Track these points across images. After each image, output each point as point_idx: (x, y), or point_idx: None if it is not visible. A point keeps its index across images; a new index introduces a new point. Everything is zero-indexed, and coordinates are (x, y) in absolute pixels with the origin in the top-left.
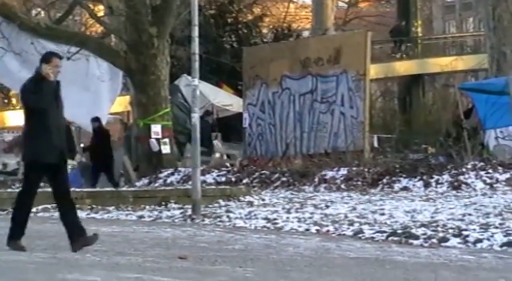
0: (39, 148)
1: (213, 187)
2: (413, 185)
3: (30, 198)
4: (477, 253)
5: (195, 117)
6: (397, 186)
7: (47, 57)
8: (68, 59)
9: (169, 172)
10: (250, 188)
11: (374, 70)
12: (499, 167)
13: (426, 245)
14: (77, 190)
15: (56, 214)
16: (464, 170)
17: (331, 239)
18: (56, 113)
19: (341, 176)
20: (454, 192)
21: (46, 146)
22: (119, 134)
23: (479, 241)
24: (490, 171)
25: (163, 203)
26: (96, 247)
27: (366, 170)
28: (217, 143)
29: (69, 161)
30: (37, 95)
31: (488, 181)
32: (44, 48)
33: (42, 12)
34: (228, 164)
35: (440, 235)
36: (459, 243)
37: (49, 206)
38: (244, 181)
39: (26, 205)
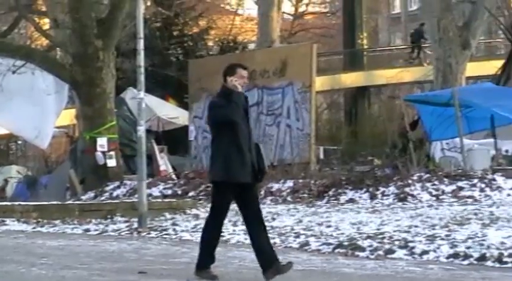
0: (230, 166)
1: (159, 200)
2: (360, 197)
3: (220, 221)
4: (423, 264)
5: (141, 130)
6: (343, 198)
7: (231, 70)
8: (14, 72)
9: (115, 185)
10: (196, 201)
11: (320, 82)
12: (445, 179)
13: (372, 257)
14: (23, 203)
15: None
16: (410, 181)
17: (277, 251)
18: (246, 128)
19: (287, 189)
20: (400, 204)
21: (238, 164)
22: (64, 147)
23: (426, 252)
24: (436, 182)
25: (109, 216)
26: (42, 261)
27: (312, 182)
28: (163, 156)
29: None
30: (227, 109)
31: (434, 192)
32: None
33: None
34: (174, 177)
35: (387, 246)
36: (405, 255)
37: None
38: (191, 194)
39: (215, 229)
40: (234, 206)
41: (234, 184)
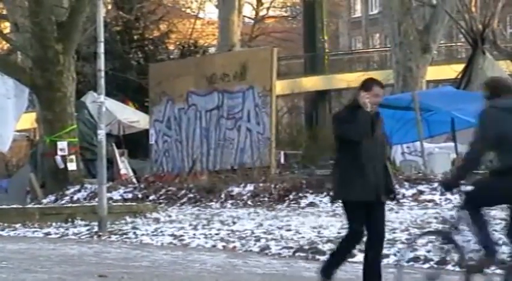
0: (348, 184)
1: (120, 203)
2: (320, 200)
3: (358, 237)
4: (384, 268)
5: (101, 133)
6: (303, 202)
7: (368, 86)
8: None
9: (75, 188)
10: (156, 204)
11: (280, 86)
12: (406, 183)
13: None
14: None
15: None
16: None
17: (237, 255)
18: (371, 146)
19: (248, 192)
20: None
21: (357, 182)
22: (24, 151)
23: (386, 256)
24: (396, 186)
25: (69, 220)
26: (2, 264)
27: (273, 186)
28: (123, 159)
29: None
30: (350, 125)
31: None
32: None
33: None
34: (134, 181)
35: None
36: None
37: None
38: (151, 198)
39: (352, 243)
40: (193, 210)
41: (357, 202)
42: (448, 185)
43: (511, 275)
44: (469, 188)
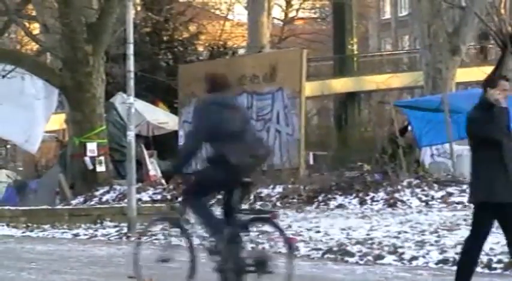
0: (493, 185)
1: (149, 204)
2: (349, 202)
3: (481, 244)
4: (413, 270)
5: (131, 135)
6: (332, 203)
7: (493, 82)
8: (3, 77)
9: (104, 189)
10: None
11: (310, 87)
12: (434, 185)
13: (362, 262)
14: (12, 208)
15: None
16: (399, 187)
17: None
18: (510, 145)
19: (277, 194)
20: (389, 209)
21: (501, 183)
22: (54, 152)
23: (415, 258)
24: (425, 188)
25: (98, 221)
26: (31, 265)
27: (302, 187)
28: (152, 161)
29: (3, 179)
30: (490, 125)
31: (424, 198)
32: None
33: None
34: (163, 182)
35: (376, 252)
36: (395, 260)
37: None
38: (180, 199)
39: (475, 251)
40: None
41: (495, 204)
42: (174, 171)
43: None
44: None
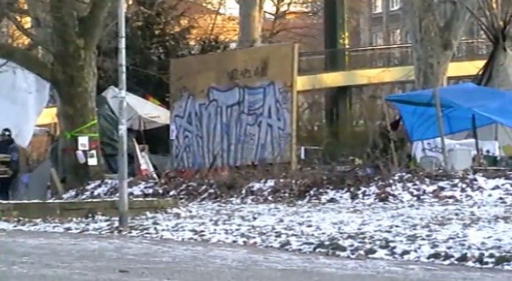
0: None
1: (140, 199)
2: (341, 196)
3: None
4: (404, 264)
5: (122, 129)
6: (324, 198)
7: None
8: None
9: (96, 183)
10: (177, 200)
11: (301, 82)
12: (426, 179)
13: (353, 256)
14: (3, 201)
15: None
16: (391, 181)
17: (258, 251)
18: None
19: (268, 188)
20: (381, 204)
21: None
22: (45, 146)
23: (407, 252)
24: (417, 183)
25: (90, 215)
26: (23, 259)
27: (293, 182)
28: (144, 155)
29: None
30: None
31: (415, 192)
32: None
33: None
34: (155, 176)
35: (368, 246)
36: (386, 255)
37: None
38: (172, 193)
39: None
40: (214, 206)
41: None
42: None
43: None
44: None
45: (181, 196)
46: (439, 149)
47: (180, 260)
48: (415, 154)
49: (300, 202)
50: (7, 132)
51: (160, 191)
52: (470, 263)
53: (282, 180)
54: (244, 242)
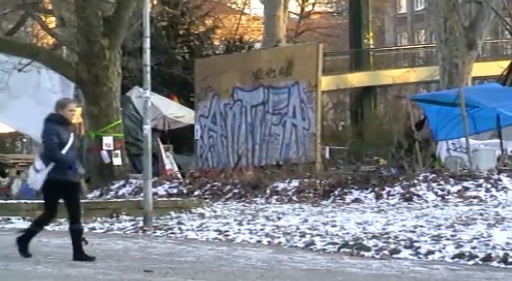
0: None
1: (165, 198)
2: (365, 196)
3: None
4: (429, 264)
5: (147, 128)
6: (348, 198)
7: None
8: (19, 70)
9: (120, 183)
10: (201, 200)
11: (326, 82)
12: (451, 179)
13: (378, 256)
14: (29, 201)
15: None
16: (415, 181)
17: (282, 251)
18: None
19: (293, 188)
20: (405, 204)
21: None
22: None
23: (431, 252)
24: (441, 183)
25: (114, 215)
26: (47, 259)
27: (318, 181)
28: (168, 155)
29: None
30: None
31: (440, 192)
32: None
33: None
34: (179, 176)
35: (392, 246)
36: (411, 255)
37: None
38: (196, 193)
39: None
40: (238, 206)
41: None
42: None
43: None
44: None
45: (206, 196)
46: (464, 149)
47: (204, 260)
48: (439, 154)
49: (324, 202)
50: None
51: (185, 191)
52: (494, 263)
53: (306, 180)
54: (268, 242)
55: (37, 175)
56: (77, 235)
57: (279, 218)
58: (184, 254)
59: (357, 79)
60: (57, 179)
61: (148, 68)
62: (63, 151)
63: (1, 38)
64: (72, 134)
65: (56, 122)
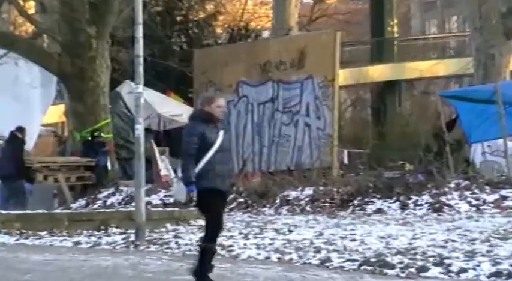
0: None
1: (160, 209)
2: (389, 207)
3: None
4: None
5: (139, 129)
6: (369, 208)
7: None
8: None
9: (109, 191)
10: None
11: (344, 75)
12: (486, 187)
13: (403, 275)
14: (4, 212)
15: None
16: (446, 189)
17: (294, 268)
18: None
19: (306, 197)
20: (435, 215)
21: None
22: (52, 148)
23: (464, 270)
24: (475, 191)
25: (102, 227)
26: (26, 277)
27: (335, 189)
28: (164, 159)
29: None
30: None
31: (474, 202)
32: None
33: None
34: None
35: (419, 263)
36: (441, 273)
37: None
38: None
39: None
40: (244, 217)
41: None
42: None
43: None
44: None
45: None
46: (501, 152)
47: None
48: (473, 158)
49: (342, 213)
50: (97, 133)
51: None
52: None
53: (321, 188)
54: (278, 258)
55: (180, 184)
56: (206, 254)
57: (290, 231)
58: (182, 273)
59: (379, 72)
60: (205, 187)
61: (141, 60)
62: (210, 153)
63: None
64: (221, 134)
65: (201, 120)
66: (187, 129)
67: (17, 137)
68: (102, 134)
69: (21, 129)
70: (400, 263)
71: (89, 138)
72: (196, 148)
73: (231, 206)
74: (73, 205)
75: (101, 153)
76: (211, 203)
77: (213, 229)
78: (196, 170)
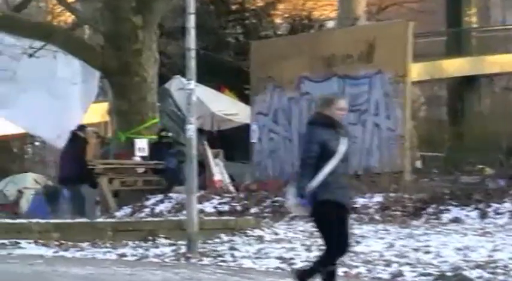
0: None
1: (213, 217)
2: (466, 215)
3: None
4: None
5: (191, 129)
6: (445, 217)
7: None
8: (31, 56)
9: (157, 198)
10: (260, 219)
11: (417, 70)
12: None
13: None
14: (42, 221)
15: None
16: None
17: None
18: None
19: (375, 204)
20: None
21: None
22: (94, 150)
23: None
24: None
25: (150, 238)
26: None
27: (407, 196)
28: (218, 162)
29: (30, 184)
30: None
31: None
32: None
33: None
34: (232, 189)
35: (500, 278)
36: None
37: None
38: (253, 210)
39: None
40: (306, 227)
41: None
42: None
43: None
44: None
45: (265, 214)
46: None
47: None
48: None
49: (415, 222)
50: (164, 133)
51: (239, 208)
52: None
53: (392, 194)
54: (344, 272)
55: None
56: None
57: (358, 243)
58: None
59: (456, 67)
60: (324, 199)
61: (193, 53)
62: (332, 163)
63: (7, 14)
64: (344, 141)
65: (321, 125)
66: (305, 136)
67: (78, 137)
68: (169, 134)
69: (82, 128)
70: (479, 277)
71: (157, 139)
72: (315, 157)
73: (292, 214)
74: (117, 214)
75: (169, 155)
76: (330, 219)
77: (331, 248)
78: (316, 181)
